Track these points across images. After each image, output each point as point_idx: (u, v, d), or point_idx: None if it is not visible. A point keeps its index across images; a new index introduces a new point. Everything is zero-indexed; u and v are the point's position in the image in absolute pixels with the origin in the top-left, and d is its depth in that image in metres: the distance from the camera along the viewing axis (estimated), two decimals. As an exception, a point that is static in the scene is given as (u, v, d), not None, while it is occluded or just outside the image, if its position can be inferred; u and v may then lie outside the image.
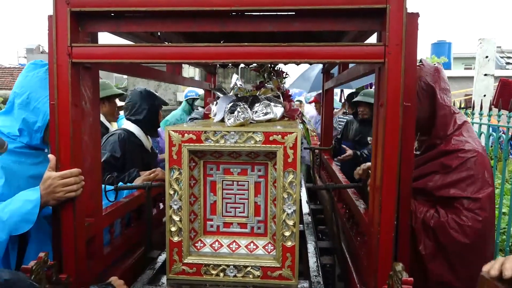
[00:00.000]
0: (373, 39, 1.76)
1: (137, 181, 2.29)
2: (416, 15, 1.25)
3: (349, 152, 3.87)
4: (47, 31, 1.29)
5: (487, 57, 7.36)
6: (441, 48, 18.11)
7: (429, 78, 1.65)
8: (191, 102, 5.28)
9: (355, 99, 4.15)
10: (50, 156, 1.36)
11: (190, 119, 4.38)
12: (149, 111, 2.73)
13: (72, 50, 1.27)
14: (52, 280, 1.24)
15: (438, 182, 1.61)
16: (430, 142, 1.71)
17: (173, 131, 1.43)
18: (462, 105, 5.04)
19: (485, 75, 7.38)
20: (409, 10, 1.20)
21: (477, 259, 1.52)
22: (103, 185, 1.67)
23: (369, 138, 3.46)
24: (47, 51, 1.33)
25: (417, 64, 1.66)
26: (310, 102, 6.36)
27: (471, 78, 8.64)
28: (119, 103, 3.82)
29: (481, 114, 3.59)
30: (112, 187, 1.75)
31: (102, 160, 2.37)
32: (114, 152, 2.50)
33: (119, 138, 2.56)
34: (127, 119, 2.74)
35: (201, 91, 5.48)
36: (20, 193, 1.42)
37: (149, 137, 2.83)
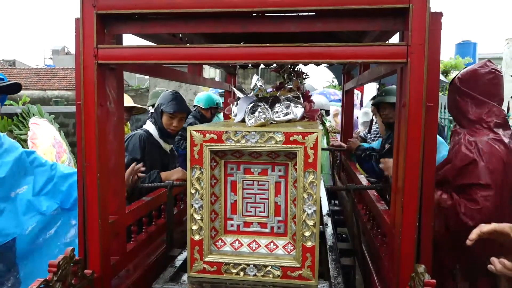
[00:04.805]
0: (395, 39, 1.74)
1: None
2: (440, 14, 1.23)
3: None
4: (74, 33, 1.32)
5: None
6: (466, 48, 17.66)
7: (491, 76, 1.82)
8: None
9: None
10: None
11: None
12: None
13: (98, 52, 1.30)
14: (78, 276, 1.27)
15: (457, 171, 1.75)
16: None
17: (194, 131, 1.45)
18: None
19: (514, 75, 7.17)
20: (432, 10, 1.19)
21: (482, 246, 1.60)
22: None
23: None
24: (72, 52, 1.37)
25: (486, 61, 1.91)
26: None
27: (497, 78, 8.37)
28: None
29: (508, 117, 3.51)
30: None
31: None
32: (135, 155, 2.48)
33: (140, 140, 2.55)
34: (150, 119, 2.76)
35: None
36: None
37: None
